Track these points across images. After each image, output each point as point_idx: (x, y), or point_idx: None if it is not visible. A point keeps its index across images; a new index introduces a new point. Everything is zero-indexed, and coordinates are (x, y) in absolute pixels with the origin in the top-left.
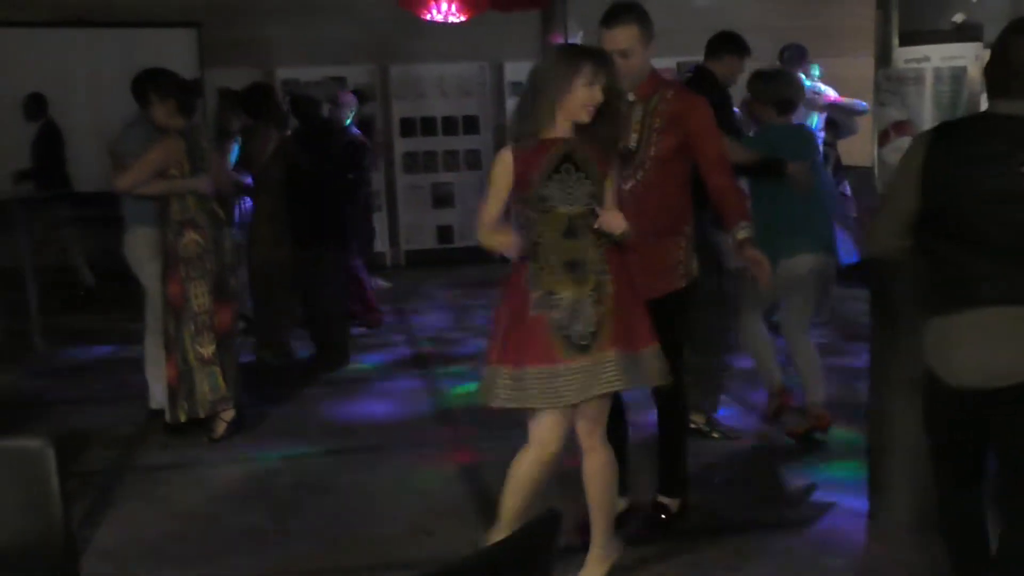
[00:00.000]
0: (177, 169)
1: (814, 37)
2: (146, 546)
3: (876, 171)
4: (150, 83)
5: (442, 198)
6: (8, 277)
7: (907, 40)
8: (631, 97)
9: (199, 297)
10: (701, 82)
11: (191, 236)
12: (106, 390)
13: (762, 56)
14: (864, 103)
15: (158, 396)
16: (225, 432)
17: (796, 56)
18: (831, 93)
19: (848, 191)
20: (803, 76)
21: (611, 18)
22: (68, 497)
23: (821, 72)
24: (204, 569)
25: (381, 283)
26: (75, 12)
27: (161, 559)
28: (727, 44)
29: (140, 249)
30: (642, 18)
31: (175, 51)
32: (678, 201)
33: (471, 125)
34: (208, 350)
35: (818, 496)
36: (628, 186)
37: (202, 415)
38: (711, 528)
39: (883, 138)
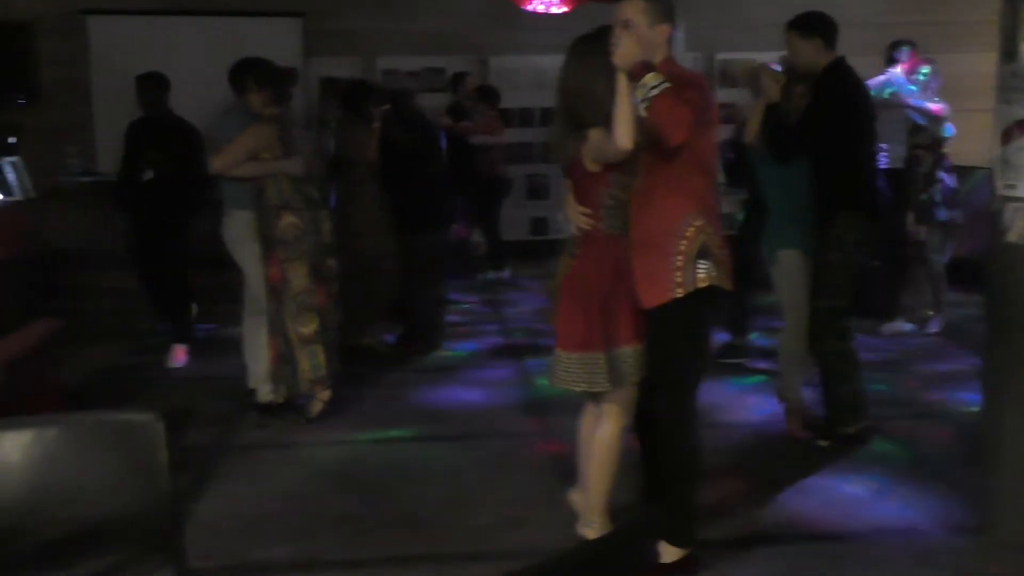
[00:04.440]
0: (269, 153)
1: (926, 33)
2: (244, 523)
3: (998, 171)
4: (248, 72)
5: (536, 190)
6: (113, 258)
7: None
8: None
9: (298, 278)
10: (841, 74)
11: (288, 219)
12: (205, 368)
13: (870, 53)
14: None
15: (256, 375)
16: (320, 412)
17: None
18: (909, 95)
19: (938, 197)
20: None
21: None
22: (174, 471)
23: (929, 71)
24: (298, 549)
25: (501, 274)
26: (183, 1)
27: (257, 536)
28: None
29: (238, 231)
30: None
31: (279, 40)
32: (667, 204)
33: None
34: (308, 329)
35: (919, 507)
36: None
37: (303, 392)
38: (806, 534)
39: (1006, 137)
